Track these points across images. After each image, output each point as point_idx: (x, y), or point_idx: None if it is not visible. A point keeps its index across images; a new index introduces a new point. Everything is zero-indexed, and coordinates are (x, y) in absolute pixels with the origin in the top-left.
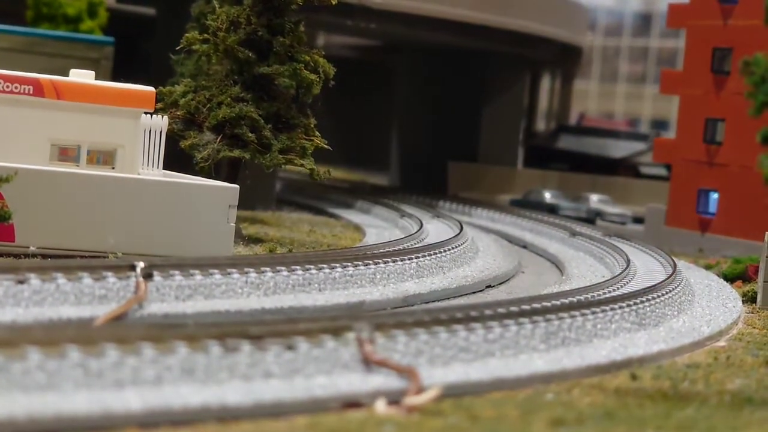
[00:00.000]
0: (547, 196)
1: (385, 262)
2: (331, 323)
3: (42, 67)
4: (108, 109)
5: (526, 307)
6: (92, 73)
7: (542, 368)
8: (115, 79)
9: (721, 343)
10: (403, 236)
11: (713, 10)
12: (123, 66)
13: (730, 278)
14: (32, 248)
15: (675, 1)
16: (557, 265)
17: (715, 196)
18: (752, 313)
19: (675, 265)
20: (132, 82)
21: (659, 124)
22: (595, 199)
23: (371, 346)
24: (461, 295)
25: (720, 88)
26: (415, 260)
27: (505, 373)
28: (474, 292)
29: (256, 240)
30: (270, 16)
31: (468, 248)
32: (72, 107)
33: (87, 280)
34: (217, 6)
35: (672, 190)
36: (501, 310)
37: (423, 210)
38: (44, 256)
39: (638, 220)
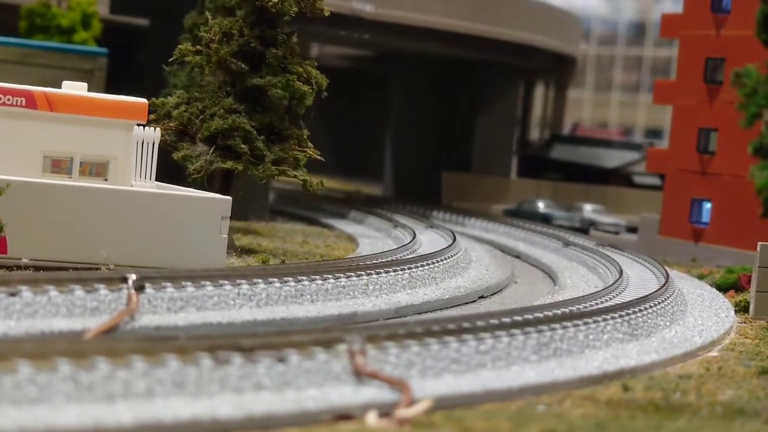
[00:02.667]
0: (541, 205)
1: (377, 273)
2: (323, 335)
3: (36, 79)
4: (101, 120)
5: (518, 318)
6: (85, 84)
7: (534, 380)
8: (108, 90)
9: (714, 353)
10: (396, 247)
11: (706, 20)
12: (117, 77)
13: (723, 288)
14: (25, 260)
15: (668, 10)
16: (550, 275)
17: (708, 205)
18: (745, 322)
19: (668, 275)
20: (126, 93)
21: (653, 133)
22: (588, 209)
23: (363, 358)
24: (454, 306)
25: (713, 98)
26: (407, 271)
27: (497, 384)
28: (467, 303)
29: (249, 251)
30: (263, 27)
31: (461, 259)
32: (65, 119)
33: (79, 292)
34: (209, 17)
35: (665, 199)
36: (493, 321)
37: (416, 220)
38: (37, 268)
39: (632, 229)
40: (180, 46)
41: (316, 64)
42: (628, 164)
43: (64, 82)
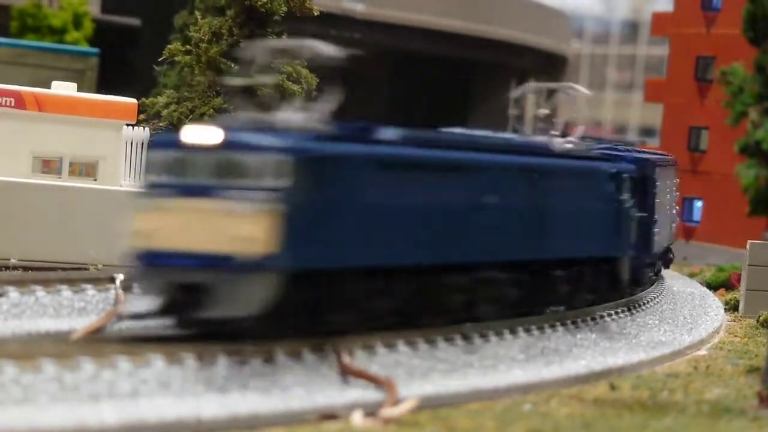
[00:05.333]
0: None
1: None
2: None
3: (27, 79)
4: (90, 121)
5: None
6: (74, 84)
7: (521, 379)
8: (100, 90)
9: (702, 352)
10: None
11: (696, 19)
12: (108, 77)
13: (713, 286)
14: (13, 260)
15: (662, 9)
16: None
17: (699, 204)
18: (734, 321)
19: (658, 273)
20: (117, 93)
21: (647, 132)
22: None
23: (349, 357)
24: None
25: (703, 97)
26: None
27: (483, 383)
28: None
29: None
30: (252, 27)
31: None
32: (54, 119)
33: (66, 292)
34: (199, 17)
35: None
36: None
37: None
38: (25, 269)
39: None
40: (170, 46)
41: (306, 63)
42: None
43: (54, 83)
